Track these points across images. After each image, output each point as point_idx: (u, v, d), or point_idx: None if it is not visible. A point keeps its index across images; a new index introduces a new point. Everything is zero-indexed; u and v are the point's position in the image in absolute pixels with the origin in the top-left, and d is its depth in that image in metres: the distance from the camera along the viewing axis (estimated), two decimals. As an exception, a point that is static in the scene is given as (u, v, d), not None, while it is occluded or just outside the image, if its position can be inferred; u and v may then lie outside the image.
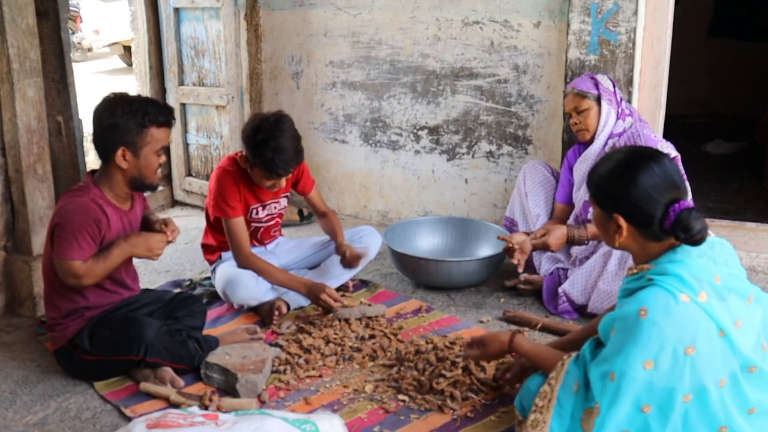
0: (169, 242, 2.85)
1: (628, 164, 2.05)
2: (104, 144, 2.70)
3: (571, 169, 3.52)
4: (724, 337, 1.95)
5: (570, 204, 3.54)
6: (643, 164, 2.03)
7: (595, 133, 3.34)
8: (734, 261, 2.09)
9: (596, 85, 3.33)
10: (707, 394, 1.96)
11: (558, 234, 3.28)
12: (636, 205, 2.01)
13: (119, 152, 2.67)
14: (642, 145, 3.13)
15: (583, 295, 3.27)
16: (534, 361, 2.39)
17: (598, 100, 3.31)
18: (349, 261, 3.34)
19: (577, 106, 3.33)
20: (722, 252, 2.06)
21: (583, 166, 3.40)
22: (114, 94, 2.75)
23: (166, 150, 4.88)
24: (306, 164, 3.51)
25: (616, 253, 3.17)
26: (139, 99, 2.73)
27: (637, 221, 2.03)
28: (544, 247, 3.31)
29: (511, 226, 3.72)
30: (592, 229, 3.26)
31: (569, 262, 3.48)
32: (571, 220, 3.51)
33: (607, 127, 3.32)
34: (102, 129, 2.69)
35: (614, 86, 3.37)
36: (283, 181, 3.28)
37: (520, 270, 3.38)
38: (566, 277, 3.39)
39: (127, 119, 2.65)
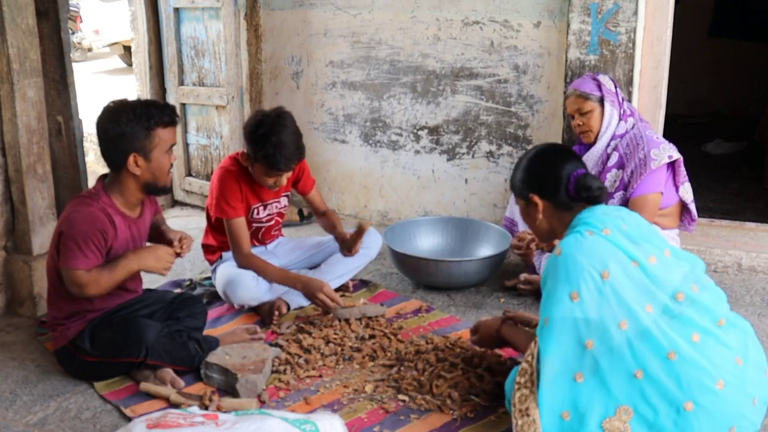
0: (178, 255, 2.84)
1: (529, 152, 2.49)
2: (114, 154, 2.69)
3: None
4: (639, 267, 2.15)
5: None
6: (541, 148, 2.48)
7: (597, 135, 3.35)
8: (646, 225, 2.33)
9: (599, 86, 3.33)
10: (641, 321, 2.09)
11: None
12: (542, 179, 2.37)
13: (131, 159, 2.67)
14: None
15: None
16: (514, 345, 2.63)
17: (601, 101, 3.32)
18: (353, 237, 3.33)
19: (581, 107, 3.34)
20: (632, 217, 2.33)
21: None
22: (113, 102, 2.73)
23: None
24: (307, 163, 3.51)
25: None
26: (140, 103, 2.72)
27: (546, 192, 2.36)
28: (549, 248, 3.31)
29: (511, 226, 3.72)
30: None
31: None
32: None
33: (610, 129, 3.32)
34: (109, 140, 2.68)
35: (616, 87, 3.38)
36: (284, 179, 3.27)
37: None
38: None
39: (133, 126, 2.64)
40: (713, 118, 7.24)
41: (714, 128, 6.77)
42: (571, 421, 2.13)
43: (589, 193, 2.30)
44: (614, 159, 3.32)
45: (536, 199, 2.38)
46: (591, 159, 3.37)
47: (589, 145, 3.40)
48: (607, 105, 3.31)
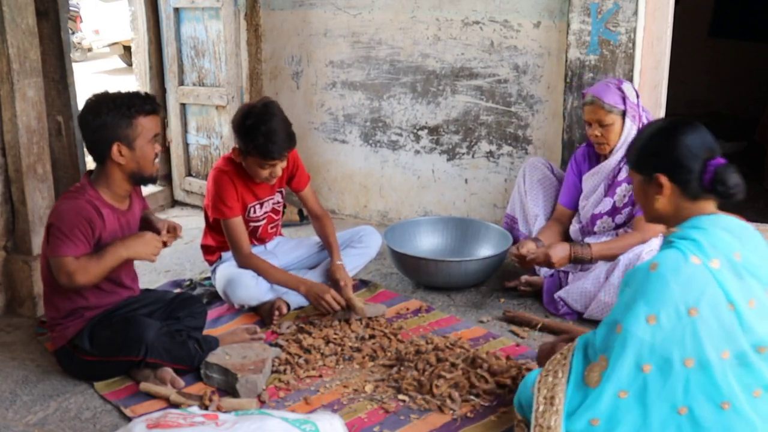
0: (165, 243, 2.84)
1: (668, 127, 2.16)
2: (98, 145, 2.70)
3: (579, 174, 3.45)
4: (734, 311, 1.98)
5: (573, 209, 3.49)
6: (682, 126, 2.15)
7: (613, 149, 3.26)
8: (763, 253, 2.11)
9: (623, 98, 3.20)
10: (710, 365, 1.98)
11: (560, 253, 3.20)
12: (677, 161, 2.10)
13: (114, 149, 2.67)
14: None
15: (579, 302, 3.25)
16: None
17: (623, 114, 3.20)
18: (345, 296, 3.22)
19: (602, 119, 3.21)
20: (753, 239, 2.11)
21: (595, 178, 3.34)
22: (95, 95, 2.74)
23: (167, 147, 4.89)
24: (301, 161, 3.50)
25: (620, 267, 3.14)
26: (121, 94, 2.72)
27: (678, 177, 2.10)
28: (547, 265, 3.25)
29: (511, 223, 3.70)
30: (596, 248, 3.19)
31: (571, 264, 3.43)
32: (575, 230, 3.45)
33: (626, 143, 3.18)
34: (92, 131, 2.69)
35: (638, 96, 3.26)
36: (279, 169, 3.23)
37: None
38: (566, 279, 3.37)
39: (114, 115, 2.65)
40: (713, 118, 7.22)
41: (714, 128, 6.73)
42: (597, 430, 2.07)
43: (725, 189, 2.07)
44: (625, 173, 3.25)
45: (664, 180, 2.12)
46: (603, 172, 3.31)
47: (597, 153, 3.34)
48: (628, 120, 3.20)
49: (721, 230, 2.07)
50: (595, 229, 3.37)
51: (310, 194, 3.55)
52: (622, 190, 3.27)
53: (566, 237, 3.50)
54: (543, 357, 2.63)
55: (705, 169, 2.08)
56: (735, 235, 2.07)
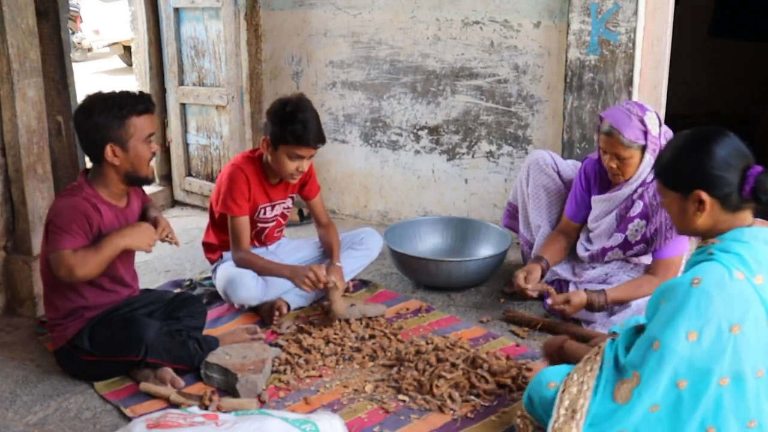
0: (163, 239, 2.83)
1: (699, 140, 2.07)
2: (92, 146, 2.70)
3: (588, 189, 3.28)
4: None
5: (581, 222, 3.33)
6: (714, 137, 2.05)
7: (628, 180, 3.08)
8: None
9: (645, 133, 2.97)
10: (744, 382, 1.96)
11: (577, 302, 3.05)
12: (716, 175, 2.01)
13: (108, 149, 2.66)
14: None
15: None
16: (574, 357, 2.45)
17: (643, 149, 2.99)
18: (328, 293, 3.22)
19: (619, 153, 3.00)
20: None
21: (605, 205, 3.19)
22: (88, 96, 2.74)
23: (167, 147, 4.89)
24: (314, 171, 3.53)
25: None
26: (113, 94, 2.71)
27: (718, 192, 2.02)
28: (563, 314, 3.11)
29: (513, 212, 3.64)
30: (612, 294, 3.05)
31: (573, 274, 3.36)
32: (583, 254, 3.30)
33: (642, 177, 3.06)
34: (85, 132, 2.69)
35: (660, 125, 3.03)
36: (305, 164, 3.24)
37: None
38: (567, 288, 3.30)
39: (106, 116, 2.64)
40: (713, 118, 7.22)
41: (714, 128, 6.74)
42: None
43: None
44: (638, 208, 3.08)
45: (704, 196, 2.02)
46: (614, 201, 3.15)
47: (605, 176, 3.19)
48: (647, 154, 2.99)
49: (763, 243, 2.01)
50: (606, 259, 3.26)
51: (319, 203, 3.57)
52: (635, 225, 3.10)
53: (572, 251, 3.38)
54: (550, 353, 2.67)
55: (745, 179, 2.00)
56: None
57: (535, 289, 3.18)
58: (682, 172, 2.08)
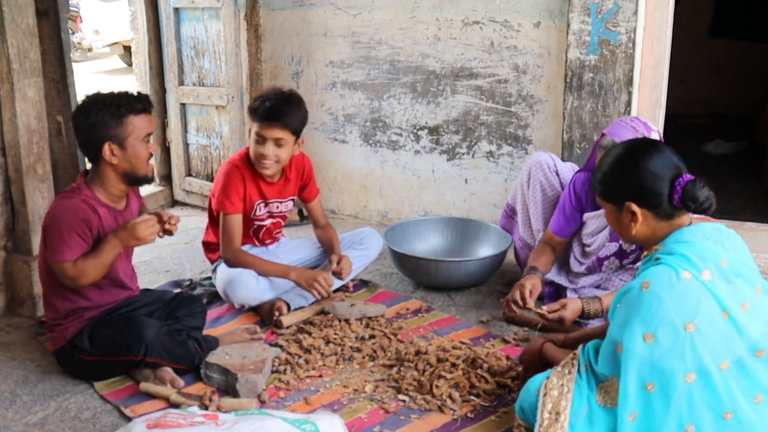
0: (166, 231, 2.77)
1: (628, 153, 2.16)
2: (90, 145, 2.70)
3: (579, 206, 3.21)
4: (728, 318, 1.99)
5: (565, 238, 3.27)
6: (642, 150, 2.14)
7: None
8: (743, 250, 2.14)
9: None
10: (710, 376, 1.99)
11: (574, 309, 3.03)
12: (644, 187, 2.10)
13: (106, 148, 2.66)
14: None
15: None
16: (555, 361, 2.45)
17: None
18: (338, 269, 3.27)
19: None
20: (731, 240, 2.12)
21: (599, 221, 3.15)
22: (87, 96, 2.74)
23: (167, 147, 4.89)
24: (314, 174, 3.54)
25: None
26: (111, 94, 2.72)
27: (648, 202, 2.11)
28: (560, 323, 3.04)
29: (511, 213, 3.64)
30: (607, 300, 3.04)
31: (568, 280, 3.35)
32: (577, 267, 3.30)
33: None
34: (83, 132, 2.70)
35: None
36: (271, 149, 3.16)
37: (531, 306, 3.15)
38: (565, 293, 3.29)
39: (103, 115, 2.65)
40: (713, 118, 7.24)
41: (714, 128, 6.76)
42: None
43: (697, 204, 2.06)
44: None
45: (634, 208, 2.12)
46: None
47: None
48: None
49: (704, 239, 2.07)
50: (603, 269, 3.27)
51: (317, 206, 3.59)
52: None
53: (564, 260, 3.36)
54: (527, 360, 2.65)
55: (673, 189, 2.08)
56: (716, 241, 2.08)
57: (531, 312, 3.10)
58: (613, 184, 2.18)
